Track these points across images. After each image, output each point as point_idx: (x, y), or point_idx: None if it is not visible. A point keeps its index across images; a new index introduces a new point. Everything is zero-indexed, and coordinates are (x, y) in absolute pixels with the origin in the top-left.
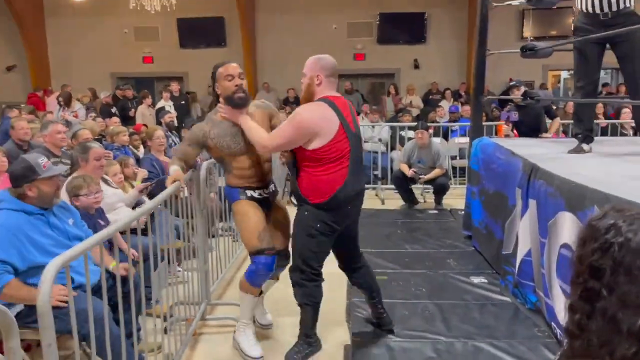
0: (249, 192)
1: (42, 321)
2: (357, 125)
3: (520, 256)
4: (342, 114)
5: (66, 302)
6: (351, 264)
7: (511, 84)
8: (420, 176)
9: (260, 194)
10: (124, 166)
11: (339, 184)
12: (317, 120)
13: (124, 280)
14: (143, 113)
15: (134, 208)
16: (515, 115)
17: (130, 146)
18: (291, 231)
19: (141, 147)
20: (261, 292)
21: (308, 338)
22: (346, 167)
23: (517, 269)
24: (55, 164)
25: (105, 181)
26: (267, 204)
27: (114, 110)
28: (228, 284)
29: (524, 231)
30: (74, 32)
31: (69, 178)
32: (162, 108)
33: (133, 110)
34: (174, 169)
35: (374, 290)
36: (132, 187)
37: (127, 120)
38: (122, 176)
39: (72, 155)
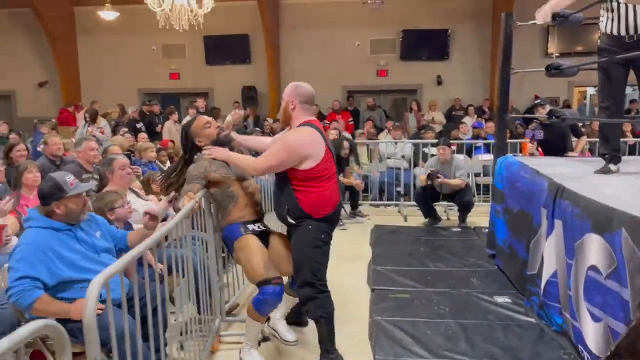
0: (250, 226)
1: (88, 335)
2: (331, 144)
3: (545, 277)
4: (325, 136)
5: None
6: None
7: (536, 102)
8: (438, 175)
9: (259, 227)
10: (152, 181)
11: (337, 197)
12: (307, 144)
13: (154, 295)
14: (169, 129)
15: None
16: (540, 134)
17: (157, 161)
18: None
19: (167, 162)
20: (268, 319)
21: (330, 354)
22: (335, 182)
23: (542, 290)
24: (87, 179)
25: (135, 193)
26: (265, 236)
27: (139, 125)
28: (246, 299)
29: (549, 252)
30: (104, 49)
31: (98, 194)
32: None
33: (160, 125)
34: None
35: None
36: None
37: (153, 135)
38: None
39: (99, 171)
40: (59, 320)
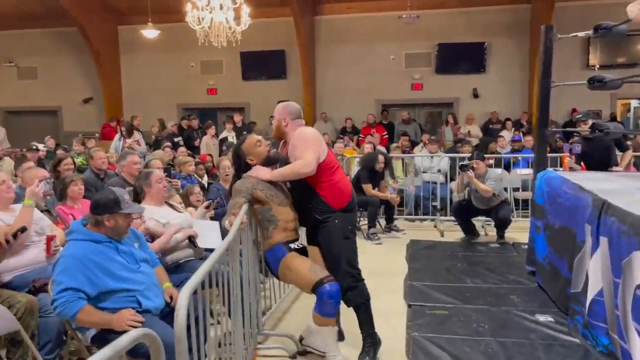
0: (292, 245)
1: (178, 347)
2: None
3: (590, 296)
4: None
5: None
6: None
7: (578, 116)
8: (473, 166)
9: (298, 245)
10: (190, 193)
11: (349, 185)
12: (316, 132)
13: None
14: (207, 143)
15: None
16: (578, 148)
17: (195, 175)
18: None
19: (205, 176)
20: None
21: (371, 337)
22: (342, 172)
23: (587, 309)
24: (130, 192)
25: (172, 206)
26: (303, 252)
27: (177, 139)
28: (283, 313)
29: (594, 270)
30: (145, 66)
31: None
32: (225, 138)
33: (198, 140)
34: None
35: None
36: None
37: (192, 149)
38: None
39: (136, 185)
40: (102, 331)
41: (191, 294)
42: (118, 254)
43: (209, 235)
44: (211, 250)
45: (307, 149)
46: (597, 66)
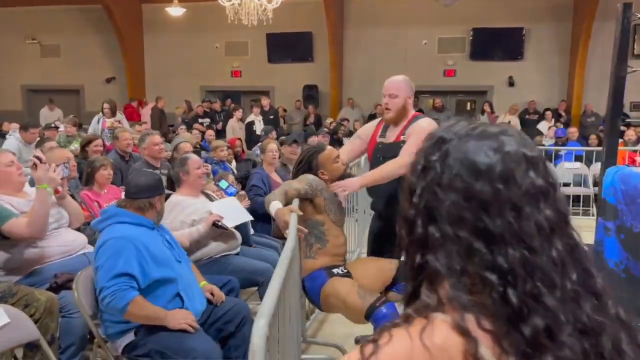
0: (335, 270)
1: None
2: None
3: None
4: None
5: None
6: None
7: None
8: None
9: (342, 270)
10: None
11: None
12: None
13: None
14: (233, 127)
15: None
16: None
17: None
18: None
19: (233, 161)
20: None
21: None
22: None
23: None
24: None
25: (208, 196)
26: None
27: (202, 121)
28: (325, 319)
29: None
30: (169, 46)
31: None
32: (252, 122)
33: (220, 123)
34: (276, 207)
35: None
36: None
37: (216, 133)
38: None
39: (171, 173)
40: (147, 334)
41: (266, 333)
42: (163, 242)
43: (232, 212)
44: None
45: (413, 146)
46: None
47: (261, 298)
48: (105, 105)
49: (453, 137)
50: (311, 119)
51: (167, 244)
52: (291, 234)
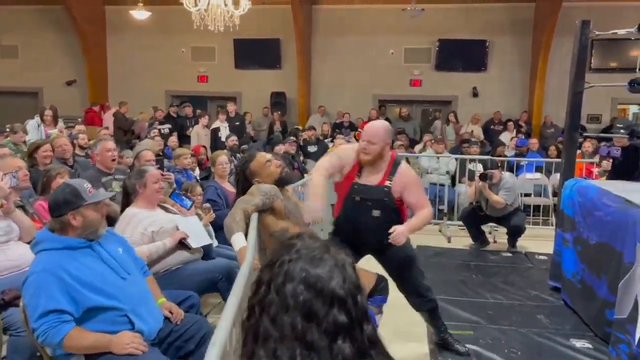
0: None
1: None
2: None
3: None
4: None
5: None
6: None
7: (619, 126)
8: (490, 174)
9: None
10: (191, 193)
11: None
12: None
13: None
14: (198, 133)
15: None
16: (617, 151)
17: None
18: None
19: (197, 169)
20: None
21: (445, 329)
22: None
23: (637, 340)
24: (109, 182)
25: (165, 209)
26: None
27: (163, 127)
28: None
29: None
30: (133, 49)
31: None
32: (218, 129)
33: (190, 129)
34: (240, 243)
35: None
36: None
37: (184, 139)
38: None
39: (127, 183)
40: (88, 357)
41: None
42: (101, 261)
43: (195, 231)
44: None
45: (424, 194)
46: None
47: (224, 298)
48: (47, 112)
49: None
50: (277, 126)
51: (111, 260)
52: (246, 262)
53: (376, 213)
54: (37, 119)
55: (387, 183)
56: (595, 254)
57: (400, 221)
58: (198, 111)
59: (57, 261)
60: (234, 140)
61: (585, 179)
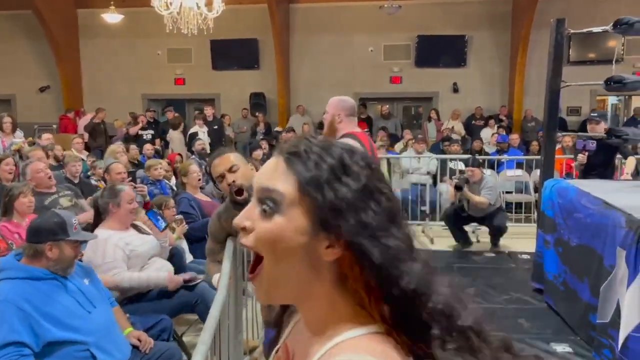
0: None
1: None
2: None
3: (625, 331)
4: (366, 149)
5: None
6: None
7: (592, 115)
8: (465, 187)
9: None
10: (165, 207)
11: None
12: (367, 147)
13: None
14: (173, 138)
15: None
16: (593, 144)
17: (165, 179)
18: None
19: (173, 178)
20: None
21: None
22: None
23: (620, 345)
24: (54, 202)
25: (136, 228)
26: None
27: (141, 132)
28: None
29: (631, 302)
30: (108, 53)
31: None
32: (195, 134)
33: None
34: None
35: None
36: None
37: (167, 145)
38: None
39: (99, 202)
40: None
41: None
42: (66, 293)
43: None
44: None
45: None
46: (570, 62)
47: (202, 320)
48: (7, 120)
49: None
50: (261, 128)
51: (77, 292)
52: (221, 286)
53: None
54: None
55: None
56: (577, 256)
57: None
58: (176, 117)
59: (20, 291)
60: (201, 144)
61: (565, 179)
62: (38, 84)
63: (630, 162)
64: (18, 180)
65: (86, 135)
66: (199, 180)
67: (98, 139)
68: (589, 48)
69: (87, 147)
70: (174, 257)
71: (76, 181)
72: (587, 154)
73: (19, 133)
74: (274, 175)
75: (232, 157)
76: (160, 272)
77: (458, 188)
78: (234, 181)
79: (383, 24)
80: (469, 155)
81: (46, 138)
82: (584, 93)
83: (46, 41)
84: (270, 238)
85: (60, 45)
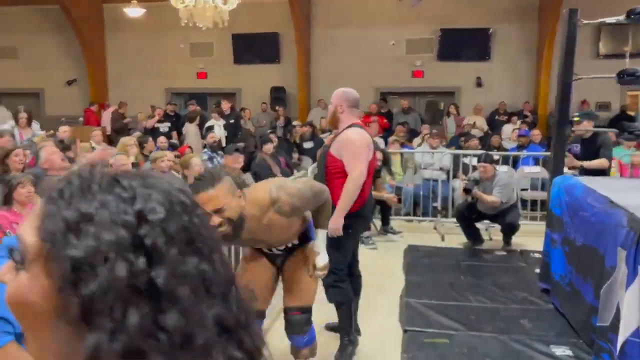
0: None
1: None
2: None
3: (624, 335)
4: (370, 140)
5: None
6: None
7: (574, 115)
8: (475, 186)
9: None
10: None
11: (367, 193)
12: (366, 140)
13: None
14: (189, 131)
15: None
16: (577, 148)
17: (173, 171)
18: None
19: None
20: None
21: (348, 336)
22: (370, 180)
23: (618, 350)
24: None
25: None
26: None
27: (158, 125)
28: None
29: (630, 305)
30: (132, 47)
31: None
32: (212, 127)
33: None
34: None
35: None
36: None
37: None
38: None
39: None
40: None
41: None
42: None
43: None
44: None
45: (358, 158)
46: (603, 55)
47: None
48: (22, 115)
49: None
50: (280, 122)
51: None
52: None
53: (315, 170)
54: (11, 122)
55: (329, 144)
56: (582, 256)
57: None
58: (193, 111)
59: None
60: (213, 137)
61: (573, 177)
62: (65, 78)
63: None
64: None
65: (108, 128)
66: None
67: (120, 132)
68: (622, 41)
69: (111, 140)
70: None
71: None
72: (571, 156)
73: (36, 125)
74: (29, 219)
75: (216, 194)
76: None
77: (467, 191)
78: (220, 223)
79: (405, 17)
80: (482, 151)
81: (63, 130)
82: (613, 88)
83: (73, 35)
84: (11, 301)
85: (87, 39)
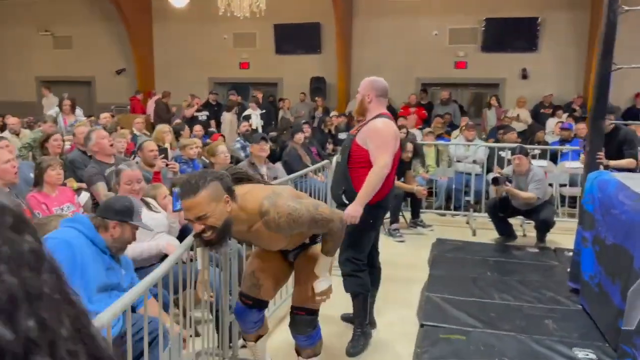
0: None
1: None
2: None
3: None
4: (396, 130)
5: None
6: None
7: None
8: (507, 181)
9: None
10: (174, 186)
11: (390, 184)
12: (393, 131)
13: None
14: (225, 120)
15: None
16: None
17: (204, 157)
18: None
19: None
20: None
21: (361, 328)
22: (393, 171)
23: None
24: (110, 175)
25: (147, 205)
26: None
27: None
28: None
29: None
30: (178, 37)
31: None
32: (249, 116)
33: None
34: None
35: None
36: None
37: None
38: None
39: (108, 181)
40: None
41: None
42: (106, 270)
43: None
44: None
45: (385, 149)
46: None
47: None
48: (66, 102)
49: None
50: (319, 112)
51: (110, 272)
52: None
53: (339, 158)
54: (56, 109)
55: (355, 132)
56: (611, 256)
57: (348, 176)
58: (231, 100)
59: (80, 244)
60: (246, 126)
61: (609, 172)
62: (115, 67)
63: (627, 162)
64: None
65: (153, 116)
66: (226, 160)
67: (164, 120)
68: None
69: (154, 128)
70: (185, 233)
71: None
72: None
73: (79, 112)
74: None
75: (198, 201)
76: (158, 241)
77: (495, 181)
78: (203, 231)
79: (449, 6)
80: (517, 144)
81: (104, 117)
82: None
83: (122, 25)
84: None
85: (135, 29)
